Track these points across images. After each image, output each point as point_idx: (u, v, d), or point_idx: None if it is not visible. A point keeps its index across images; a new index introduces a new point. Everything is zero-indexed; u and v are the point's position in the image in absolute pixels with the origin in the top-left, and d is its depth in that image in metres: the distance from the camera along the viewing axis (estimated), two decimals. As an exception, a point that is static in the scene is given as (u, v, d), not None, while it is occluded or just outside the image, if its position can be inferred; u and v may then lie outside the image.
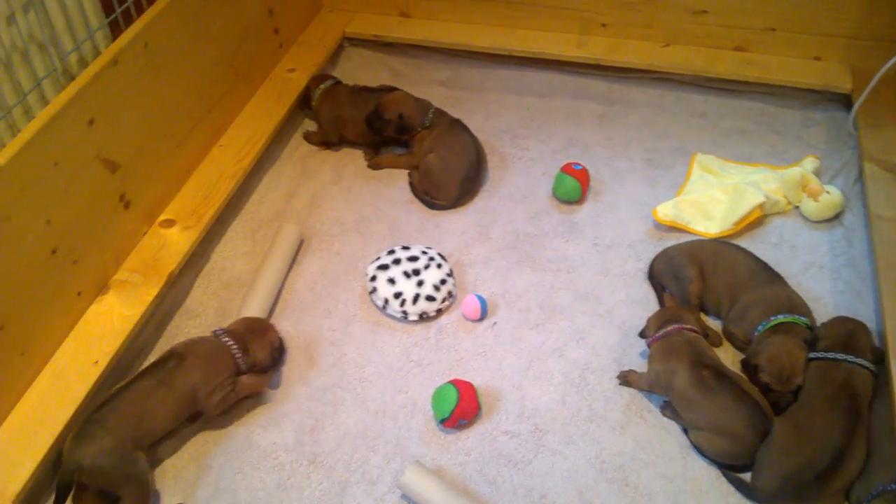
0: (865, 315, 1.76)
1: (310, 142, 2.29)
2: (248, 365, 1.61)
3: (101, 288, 1.73)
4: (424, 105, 2.15)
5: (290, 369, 1.72)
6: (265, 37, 2.29)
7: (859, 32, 2.27)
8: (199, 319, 1.83)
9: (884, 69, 2.03)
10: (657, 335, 1.62)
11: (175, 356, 1.56)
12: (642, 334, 1.69)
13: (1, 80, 1.53)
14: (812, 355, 1.59)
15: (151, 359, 1.74)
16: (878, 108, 2.18)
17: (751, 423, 1.50)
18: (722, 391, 1.52)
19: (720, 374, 1.54)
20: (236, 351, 1.59)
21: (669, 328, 1.61)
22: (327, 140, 2.28)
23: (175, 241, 1.83)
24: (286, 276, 1.90)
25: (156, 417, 1.50)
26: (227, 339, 1.61)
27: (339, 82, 2.30)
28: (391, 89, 2.22)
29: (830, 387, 1.54)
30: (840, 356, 1.57)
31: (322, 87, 2.27)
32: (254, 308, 1.77)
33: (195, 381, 1.54)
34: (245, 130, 2.14)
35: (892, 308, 1.69)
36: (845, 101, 2.30)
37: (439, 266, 1.83)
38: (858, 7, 2.21)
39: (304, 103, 2.31)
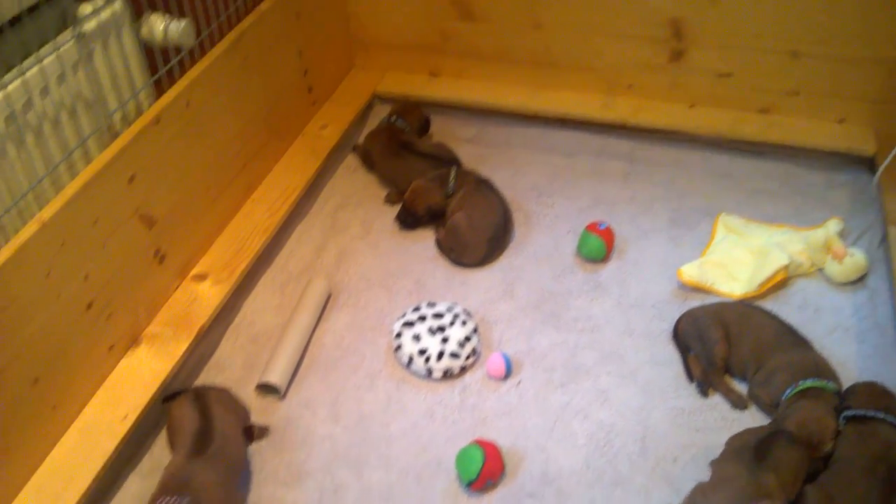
0: (892, 378, 1.75)
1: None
2: None
3: (133, 342, 1.76)
4: (443, 177, 2.20)
5: (315, 425, 1.73)
6: (299, 95, 2.36)
7: (884, 96, 2.29)
8: (226, 373, 1.85)
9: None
10: None
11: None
12: None
13: (48, 137, 1.59)
14: (848, 413, 1.59)
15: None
16: (902, 171, 2.19)
17: None
18: None
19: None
20: None
21: None
22: (363, 162, 2.46)
23: (206, 295, 1.87)
24: (314, 330, 1.93)
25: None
26: None
27: (394, 125, 2.39)
28: (437, 158, 2.30)
29: (867, 456, 1.53)
30: (879, 415, 1.57)
31: (383, 120, 2.42)
32: (281, 362, 1.79)
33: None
34: (278, 185, 2.19)
35: (921, 375, 1.68)
36: (869, 164, 2.32)
37: (464, 323, 1.85)
38: (883, 71, 2.24)
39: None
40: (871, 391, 1.66)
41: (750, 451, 1.53)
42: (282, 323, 1.95)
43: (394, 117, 2.40)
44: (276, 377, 1.76)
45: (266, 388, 1.79)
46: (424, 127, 2.48)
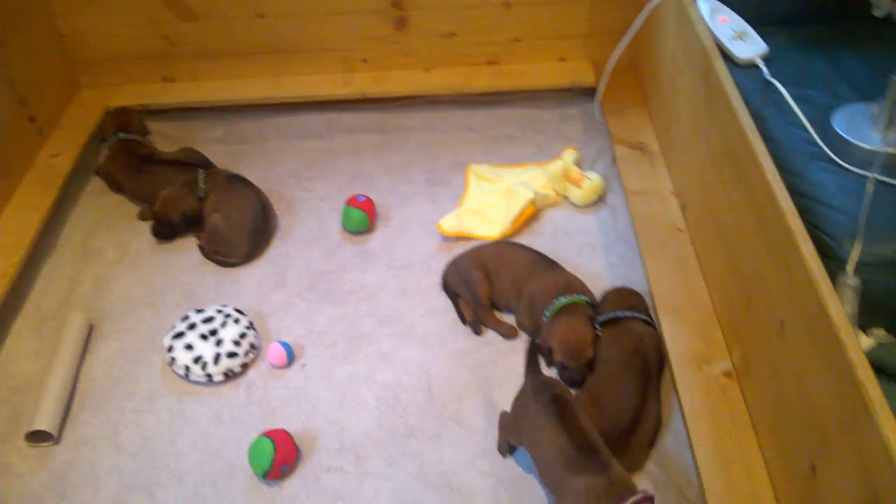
0: (639, 281, 1.94)
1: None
2: None
3: None
4: (192, 181, 2.14)
5: (97, 460, 1.65)
6: (19, 127, 2.20)
7: (592, 30, 2.50)
8: (-10, 433, 1.72)
9: (612, 59, 2.27)
10: None
11: None
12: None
13: None
14: (601, 318, 1.74)
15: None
16: (619, 94, 2.42)
17: None
18: None
19: None
20: None
21: None
22: (109, 186, 2.34)
23: (-53, 357, 1.72)
24: (79, 366, 1.83)
25: None
26: None
27: (126, 140, 2.28)
28: (183, 163, 2.24)
29: (623, 352, 1.69)
30: (628, 314, 1.73)
31: (108, 143, 2.30)
32: (48, 406, 1.68)
33: None
34: (12, 226, 2.04)
35: (654, 270, 1.88)
36: (592, 94, 2.53)
37: (237, 321, 1.83)
38: (587, 9, 2.44)
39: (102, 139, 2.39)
40: (619, 295, 1.83)
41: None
42: (43, 367, 1.83)
43: (120, 133, 2.29)
44: (43, 423, 1.65)
45: (37, 436, 1.68)
46: (144, 126, 2.42)
